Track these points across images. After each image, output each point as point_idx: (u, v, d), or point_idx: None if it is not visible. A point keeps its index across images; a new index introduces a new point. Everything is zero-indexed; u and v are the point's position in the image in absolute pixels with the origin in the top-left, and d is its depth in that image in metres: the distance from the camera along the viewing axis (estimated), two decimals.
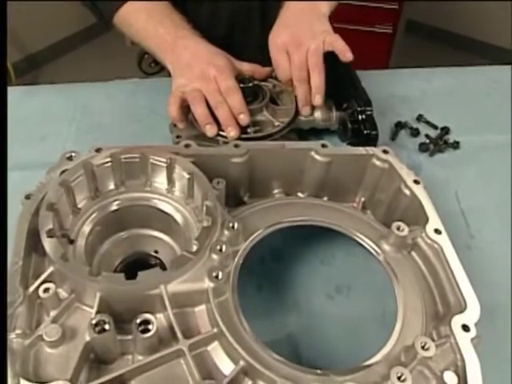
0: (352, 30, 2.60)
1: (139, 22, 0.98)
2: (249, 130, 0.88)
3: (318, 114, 0.94)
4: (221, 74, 0.87)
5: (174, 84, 0.91)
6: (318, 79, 0.89)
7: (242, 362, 0.52)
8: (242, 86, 0.89)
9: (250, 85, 0.90)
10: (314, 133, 0.96)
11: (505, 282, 0.78)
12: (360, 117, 0.90)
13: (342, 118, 0.94)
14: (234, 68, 0.92)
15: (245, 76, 0.92)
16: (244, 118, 0.86)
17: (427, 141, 1.02)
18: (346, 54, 0.87)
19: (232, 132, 0.84)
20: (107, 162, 0.67)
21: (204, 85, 0.87)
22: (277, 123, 0.90)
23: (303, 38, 0.90)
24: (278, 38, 0.92)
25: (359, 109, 0.90)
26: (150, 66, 1.88)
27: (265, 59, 0.95)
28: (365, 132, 0.89)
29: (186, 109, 0.88)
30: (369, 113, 0.90)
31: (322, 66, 0.89)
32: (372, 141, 0.89)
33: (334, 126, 0.96)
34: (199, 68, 0.89)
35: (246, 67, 0.96)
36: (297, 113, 0.92)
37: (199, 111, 0.85)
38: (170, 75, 0.95)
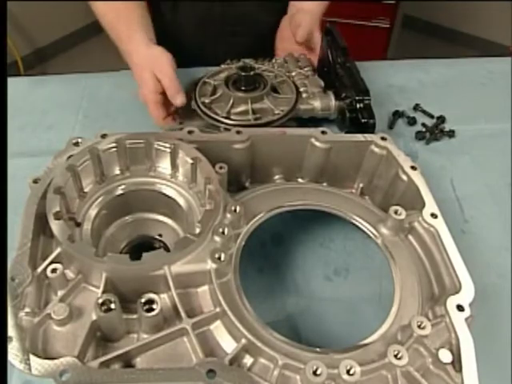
0: (351, 24, 2.62)
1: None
2: (249, 117, 0.89)
3: (317, 103, 0.95)
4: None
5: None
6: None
7: (243, 340, 0.54)
8: (243, 74, 0.90)
9: (251, 73, 0.91)
10: (313, 122, 0.97)
11: (496, 265, 0.80)
12: (358, 105, 0.91)
13: (340, 107, 0.95)
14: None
15: (246, 65, 0.93)
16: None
17: (423, 129, 1.04)
18: None
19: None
20: (112, 148, 0.68)
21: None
22: (277, 111, 0.91)
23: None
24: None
25: (357, 98, 0.91)
26: None
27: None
28: (362, 120, 0.89)
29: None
30: (366, 102, 0.91)
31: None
32: (369, 129, 0.89)
33: (333, 116, 0.97)
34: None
35: None
36: (297, 102, 0.93)
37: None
38: None
